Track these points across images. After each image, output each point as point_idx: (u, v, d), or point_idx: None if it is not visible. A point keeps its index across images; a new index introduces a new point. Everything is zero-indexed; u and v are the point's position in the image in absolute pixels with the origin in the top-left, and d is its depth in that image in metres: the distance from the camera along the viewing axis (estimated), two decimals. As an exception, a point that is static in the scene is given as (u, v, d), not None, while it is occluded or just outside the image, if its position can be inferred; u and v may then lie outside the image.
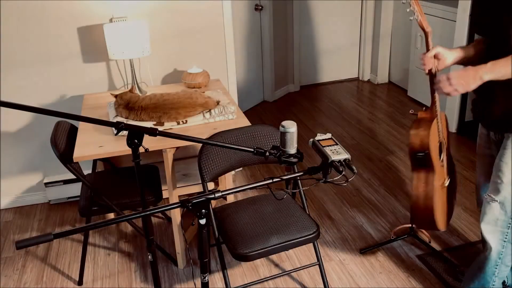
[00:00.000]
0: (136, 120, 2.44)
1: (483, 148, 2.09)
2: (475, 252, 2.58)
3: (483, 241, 1.98)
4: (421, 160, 2.11)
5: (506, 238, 1.92)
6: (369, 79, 5.47)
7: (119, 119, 2.47)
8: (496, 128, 1.93)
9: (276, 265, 2.59)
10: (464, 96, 3.88)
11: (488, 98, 1.85)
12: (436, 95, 2.01)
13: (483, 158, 2.11)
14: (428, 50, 1.90)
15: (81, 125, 2.52)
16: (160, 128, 2.35)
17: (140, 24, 2.80)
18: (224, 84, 3.26)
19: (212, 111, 2.49)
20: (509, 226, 1.90)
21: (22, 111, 1.87)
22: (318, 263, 2.35)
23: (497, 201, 1.88)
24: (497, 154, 1.95)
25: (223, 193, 1.25)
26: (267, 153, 1.41)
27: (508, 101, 1.79)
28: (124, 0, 2.98)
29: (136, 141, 1.46)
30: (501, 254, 1.96)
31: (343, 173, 1.26)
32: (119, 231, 2.94)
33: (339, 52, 5.34)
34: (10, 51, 2.89)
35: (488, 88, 1.77)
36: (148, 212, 1.20)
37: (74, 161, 2.20)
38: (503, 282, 2.25)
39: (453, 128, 4.04)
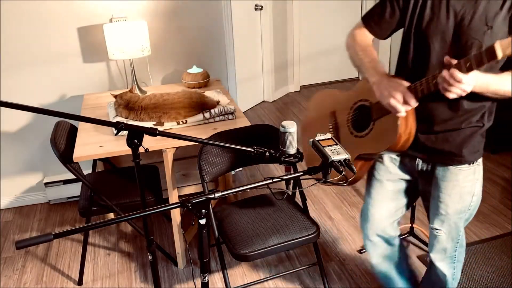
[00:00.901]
0: (136, 120, 2.44)
1: (388, 174, 1.88)
2: (473, 252, 2.59)
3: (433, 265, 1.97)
4: None
5: (455, 260, 1.94)
6: (369, 79, 5.47)
7: (119, 119, 2.47)
8: (430, 157, 1.77)
9: (276, 265, 2.59)
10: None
11: (427, 127, 1.71)
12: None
13: (385, 185, 1.90)
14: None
15: (81, 125, 2.52)
16: (160, 128, 2.35)
17: (140, 24, 2.80)
18: (224, 84, 3.26)
19: (212, 111, 2.49)
20: (456, 249, 1.90)
21: (22, 111, 1.87)
22: (318, 263, 2.35)
23: (443, 231, 1.86)
24: (423, 184, 1.85)
25: (223, 193, 1.25)
26: (267, 153, 1.41)
27: (445, 132, 1.68)
28: (124, 0, 2.98)
29: (136, 141, 1.45)
30: (454, 275, 1.98)
31: (343, 173, 1.25)
32: (119, 231, 2.94)
33: (339, 52, 5.33)
34: (10, 51, 2.88)
35: (427, 117, 1.67)
36: (148, 212, 1.19)
37: (74, 161, 2.20)
38: None
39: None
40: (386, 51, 5.17)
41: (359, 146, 1.80)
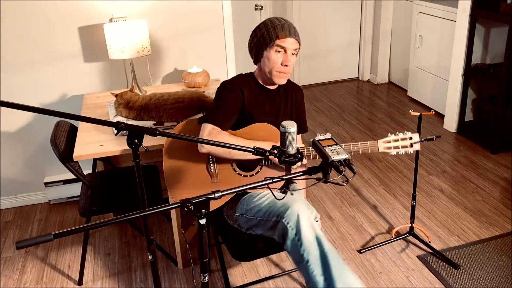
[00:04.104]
0: (136, 120, 2.44)
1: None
2: (473, 252, 2.59)
3: None
4: None
5: None
6: (369, 79, 5.47)
7: (119, 118, 2.47)
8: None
9: (276, 265, 2.59)
10: (464, 97, 3.88)
11: None
12: None
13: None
14: None
15: (81, 125, 2.52)
16: (160, 128, 2.35)
17: (140, 24, 2.80)
18: (224, 84, 3.26)
19: (212, 111, 2.49)
20: None
21: (22, 111, 1.87)
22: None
23: None
24: None
25: (223, 193, 1.25)
26: (267, 153, 1.41)
27: None
28: (124, 0, 2.98)
29: (136, 141, 1.45)
30: None
31: (343, 173, 1.25)
32: (119, 231, 2.94)
33: (339, 52, 5.34)
34: (10, 51, 2.89)
35: None
36: (148, 212, 1.19)
37: (74, 160, 2.20)
38: None
39: (453, 128, 4.04)
40: (386, 50, 5.17)
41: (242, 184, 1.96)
